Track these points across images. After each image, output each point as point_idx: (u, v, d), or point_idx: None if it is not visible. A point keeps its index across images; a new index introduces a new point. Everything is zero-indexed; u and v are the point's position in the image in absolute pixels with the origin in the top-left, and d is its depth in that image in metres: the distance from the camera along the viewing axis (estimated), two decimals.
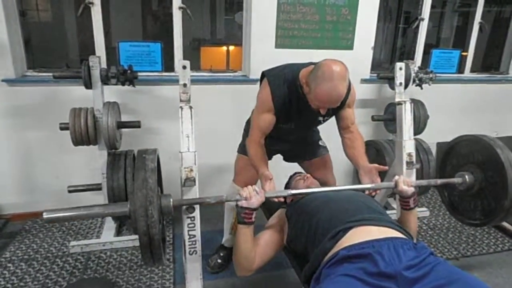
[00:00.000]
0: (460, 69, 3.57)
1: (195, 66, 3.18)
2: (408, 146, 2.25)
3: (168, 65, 2.87)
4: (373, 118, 3.03)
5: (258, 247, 1.61)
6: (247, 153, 1.89)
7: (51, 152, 2.73)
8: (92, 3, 2.56)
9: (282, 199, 1.65)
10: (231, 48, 4.30)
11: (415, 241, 1.40)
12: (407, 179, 1.67)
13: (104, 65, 2.53)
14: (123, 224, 2.77)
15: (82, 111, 2.30)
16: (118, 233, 2.67)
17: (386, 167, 1.73)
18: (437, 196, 3.49)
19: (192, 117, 1.65)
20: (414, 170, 2.25)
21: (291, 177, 2.08)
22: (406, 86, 2.81)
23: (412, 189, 1.63)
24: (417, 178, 2.25)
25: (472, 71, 3.68)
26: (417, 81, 3.02)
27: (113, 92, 2.56)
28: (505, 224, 2.90)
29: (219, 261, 2.34)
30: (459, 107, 3.62)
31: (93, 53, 2.65)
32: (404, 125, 2.27)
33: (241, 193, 1.51)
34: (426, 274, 1.15)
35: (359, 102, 3.22)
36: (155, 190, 1.31)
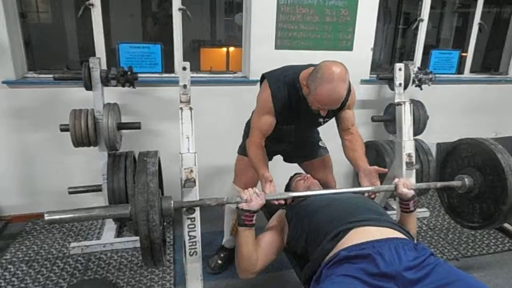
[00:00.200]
0: (460, 70, 3.57)
1: (195, 68, 3.19)
2: (408, 146, 2.25)
3: (168, 66, 2.88)
4: (373, 119, 3.03)
5: (260, 249, 1.61)
6: (248, 154, 1.89)
7: (52, 153, 2.74)
8: (92, 4, 2.57)
9: (282, 202, 1.65)
10: (231, 49, 4.30)
11: (415, 241, 1.41)
12: (407, 182, 1.68)
13: (104, 66, 2.53)
14: (123, 225, 2.78)
15: (83, 112, 2.31)
16: (119, 234, 2.67)
17: (386, 170, 1.74)
18: (437, 197, 3.48)
19: (192, 118, 1.65)
20: (414, 170, 2.25)
21: (291, 178, 2.08)
22: (405, 87, 2.81)
23: (412, 192, 1.63)
24: (417, 179, 2.24)
25: (471, 71, 3.68)
26: (417, 82, 3.03)
27: (113, 94, 2.56)
28: (505, 224, 2.90)
29: (219, 262, 2.35)
30: (459, 107, 3.63)
31: (93, 54, 2.65)
32: (404, 126, 2.27)
33: (242, 196, 1.52)
34: (426, 275, 1.16)
35: (359, 103, 3.22)
36: (156, 194, 1.31)
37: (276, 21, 2.86)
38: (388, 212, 2.43)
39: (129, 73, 2.38)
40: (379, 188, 1.68)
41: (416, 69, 3.08)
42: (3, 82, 2.51)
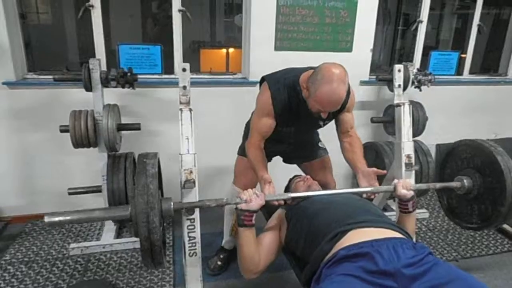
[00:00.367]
0: (459, 71, 3.58)
1: (195, 69, 3.19)
2: (407, 147, 2.26)
3: (168, 67, 2.88)
4: (372, 120, 3.04)
5: (261, 248, 1.61)
6: (247, 156, 1.90)
7: (51, 154, 2.74)
8: (92, 5, 2.58)
9: (282, 202, 1.65)
10: (231, 50, 4.30)
11: (414, 241, 1.41)
12: (406, 182, 1.68)
13: (104, 67, 2.54)
14: (123, 226, 2.78)
15: (82, 113, 2.31)
16: (118, 235, 2.67)
17: (385, 171, 1.74)
18: (436, 198, 3.48)
19: (191, 119, 1.66)
20: (413, 171, 2.26)
21: (290, 180, 2.08)
22: (405, 88, 2.82)
23: (411, 193, 1.64)
24: (416, 180, 2.25)
25: (471, 73, 3.69)
26: (416, 83, 3.03)
27: (113, 95, 2.57)
28: (504, 225, 2.90)
29: (219, 263, 2.35)
30: (458, 109, 3.63)
31: (93, 55, 2.66)
32: (403, 127, 2.27)
33: (241, 196, 1.52)
34: (425, 272, 1.16)
35: (358, 104, 3.23)
36: (156, 196, 1.31)
37: (275, 22, 2.86)
38: (387, 213, 2.45)
39: (129, 74, 2.38)
40: (378, 189, 1.69)
41: (415, 70, 3.08)
42: (3, 83, 2.52)
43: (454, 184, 1.95)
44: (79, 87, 2.36)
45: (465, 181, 1.93)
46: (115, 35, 3.87)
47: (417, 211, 3.06)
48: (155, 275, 2.28)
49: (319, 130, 2.21)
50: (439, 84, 3.29)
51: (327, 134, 2.15)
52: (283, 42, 2.92)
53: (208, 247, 2.43)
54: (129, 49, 2.69)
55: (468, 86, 3.62)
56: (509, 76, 3.85)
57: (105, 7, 2.70)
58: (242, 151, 2.14)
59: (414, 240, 1.50)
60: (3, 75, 2.51)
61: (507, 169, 1.80)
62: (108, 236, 2.59)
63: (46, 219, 1.27)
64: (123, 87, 2.39)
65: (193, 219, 1.59)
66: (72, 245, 2.49)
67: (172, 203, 1.42)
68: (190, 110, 1.67)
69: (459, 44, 4.35)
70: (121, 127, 2.43)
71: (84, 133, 2.29)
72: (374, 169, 1.73)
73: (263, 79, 1.86)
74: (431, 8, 3.32)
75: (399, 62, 3.35)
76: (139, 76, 2.45)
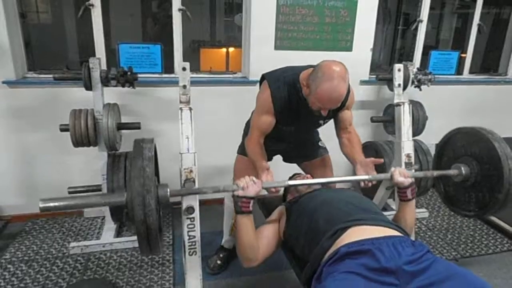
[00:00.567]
0: (459, 71, 3.58)
1: (195, 68, 3.19)
2: (407, 147, 2.26)
3: (168, 66, 2.88)
4: (372, 120, 3.04)
5: (261, 238, 1.61)
6: (246, 152, 1.90)
7: (51, 153, 2.74)
8: (92, 5, 2.58)
9: (279, 189, 1.64)
10: (231, 49, 4.30)
11: (412, 238, 1.41)
12: (403, 170, 1.69)
13: (104, 66, 2.54)
14: (123, 225, 2.78)
15: (82, 112, 2.31)
16: (118, 234, 2.67)
17: (382, 160, 1.76)
18: (436, 197, 3.50)
19: (191, 119, 1.66)
20: (413, 171, 2.26)
21: (290, 178, 2.08)
22: (405, 88, 2.82)
23: (409, 180, 1.65)
24: (416, 180, 2.26)
25: (471, 72, 3.70)
26: (416, 83, 3.03)
27: (113, 94, 2.57)
28: (504, 225, 2.91)
29: (218, 262, 2.35)
30: (458, 108, 3.64)
31: (93, 54, 2.66)
32: (403, 126, 2.28)
33: (238, 183, 1.52)
34: (425, 269, 1.17)
35: (358, 104, 3.25)
36: (152, 179, 1.30)
37: (275, 21, 2.86)
38: (387, 213, 2.44)
39: (129, 73, 2.38)
40: (375, 177, 1.70)
41: (415, 70, 3.09)
42: (3, 82, 2.52)
43: (452, 171, 1.95)
44: (79, 86, 2.36)
45: (462, 168, 1.93)
46: (115, 34, 3.87)
47: (417, 210, 3.07)
48: (155, 274, 2.29)
49: (319, 129, 2.21)
50: (439, 84, 3.29)
51: (327, 133, 2.15)
52: (283, 41, 2.92)
53: (208, 246, 2.43)
54: (129, 48, 2.69)
55: (468, 86, 3.62)
56: (509, 75, 3.85)
57: (105, 6, 2.70)
58: (242, 150, 2.14)
59: (413, 233, 1.50)
60: (3, 74, 2.51)
61: (504, 155, 1.79)
62: (108, 235, 2.59)
63: (41, 204, 1.26)
64: (123, 86, 2.39)
65: (193, 218, 1.60)
66: (72, 244, 2.49)
67: (168, 190, 1.41)
68: (190, 109, 1.68)
69: (459, 44, 4.35)
70: (121, 126, 2.44)
71: (84, 132, 2.29)
72: (372, 158, 1.75)
73: (263, 77, 1.86)
74: (431, 8, 3.32)
75: (399, 61, 3.34)
76: (139, 75, 2.45)
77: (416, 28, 3.37)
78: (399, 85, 2.63)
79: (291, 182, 1.66)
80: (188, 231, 1.61)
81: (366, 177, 1.69)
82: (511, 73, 3.85)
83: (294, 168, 2.26)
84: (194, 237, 1.62)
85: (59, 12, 4.37)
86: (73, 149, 2.36)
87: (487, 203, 1.89)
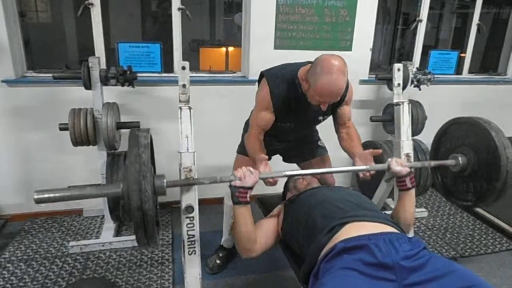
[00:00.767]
0: (458, 70, 3.58)
1: (194, 67, 3.19)
2: (406, 146, 2.26)
3: (168, 66, 2.88)
4: (371, 119, 3.04)
5: (259, 230, 1.62)
6: (246, 147, 1.90)
7: (51, 152, 2.74)
8: (91, 4, 2.58)
9: (277, 180, 1.64)
10: (230, 49, 4.31)
11: (412, 230, 1.42)
12: (400, 160, 1.71)
13: (103, 66, 2.54)
14: (122, 224, 2.78)
15: (82, 111, 2.31)
16: (117, 233, 2.68)
17: (380, 151, 1.76)
18: (435, 197, 3.51)
19: (191, 118, 1.66)
20: (412, 170, 2.27)
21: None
22: (404, 87, 2.82)
23: (407, 169, 1.66)
24: (415, 179, 2.26)
25: (470, 72, 3.70)
26: (415, 82, 3.03)
27: (112, 93, 2.57)
28: (503, 224, 2.91)
29: (218, 261, 2.35)
30: (457, 108, 3.63)
31: (93, 54, 2.66)
32: (402, 126, 2.28)
33: (235, 174, 1.52)
34: (422, 265, 1.18)
35: (357, 103, 3.26)
36: (148, 166, 1.29)
37: (275, 21, 2.86)
38: (386, 212, 2.44)
39: (128, 72, 2.38)
40: (372, 167, 1.71)
41: (414, 70, 3.09)
42: (3, 81, 2.51)
43: (449, 162, 1.95)
44: (79, 85, 2.36)
45: (459, 158, 1.93)
46: (114, 33, 3.87)
47: (416, 209, 3.06)
48: (154, 273, 2.29)
49: (319, 129, 2.21)
50: (439, 83, 3.29)
51: (327, 132, 2.15)
52: (282, 40, 2.92)
53: (207, 246, 2.43)
54: (129, 47, 2.69)
55: (467, 85, 3.62)
56: (508, 75, 3.85)
57: (104, 5, 2.69)
58: (241, 150, 2.14)
59: (412, 227, 1.49)
60: (2, 73, 2.51)
61: (502, 145, 1.79)
62: (107, 234, 2.59)
63: (35, 195, 1.23)
64: (122, 85, 2.39)
65: (192, 217, 1.60)
66: (71, 243, 2.49)
67: (165, 180, 1.41)
68: (190, 108, 1.67)
69: (459, 44, 4.36)
70: (120, 126, 2.43)
71: (83, 131, 2.29)
72: (370, 150, 1.76)
73: (261, 75, 1.87)
74: (430, 8, 3.32)
75: (399, 61, 3.34)
76: (138, 74, 2.45)
77: (416, 28, 3.37)
78: (399, 84, 2.63)
79: (289, 173, 1.66)
80: (188, 230, 1.61)
81: (363, 167, 1.71)
82: (510, 72, 3.85)
83: (294, 168, 2.26)
84: (194, 236, 1.62)
85: (59, 11, 4.38)
86: (73, 148, 2.36)
87: (485, 192, 1.89)
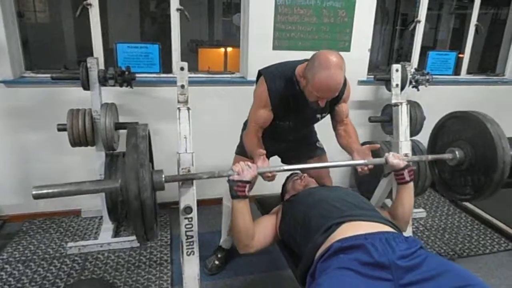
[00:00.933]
0: (457, 71, 3.59)
1: (193, 68, 3.19)
2: (405, 147, 2.26)
3: (166, 66, 2.88)
4: (370, 120, 3.04)
5: (259, 226, 1.63)
6: (244, 144, 1.91)
7: (49, 153, 2.73)
8: (90, 4, 2.57)
9: (275, 174, 1.65)
10: (229, 49, 4.30)
11: (410, 234, 1.42)
12: (397, 154, 1.73)
13: (102, 66, 2.54)
14: (120, 225, 2.78)
15: (80, 112, 2.31)
16: (116, 234, 2.67)
17: (378, 145, 1.78)
18: (433, 197, 3.51)
19: (189, 118, 1.65)
20: (410, 163, 2.27)
21: (287, 177, 2.09)
22: (402, 88, 2.82)
23: (404, 162, 1.68)
24: (414, 179, 2.26)
25: (468, 72, 3.71)
26: (414, 83, 3.04)
27: (110, 93, 2.56)
28: (501, 224, 2.92)
29: (216, 262, 2.35)
30: (456, 108, 3.58)
31: (91, 54, 2.66)
32: (401, 126, 2.28)
33: (234, 168, 1.52)
34: (419, 264, 1.18)
35: (356, 104, 3.26)
36: (146, 155, 1.29)
37: (274, 21, 2.86)
38: None
39: (126, 73, 2.38)
40: (370, 161, 1.72)
41: (413, 70, 3.09)
42: (1, 82, 2.51)
43: (446, 155, 1.96)
44: (77, 85, 2.36)
45: (456, 152, 1.93)
46: (113, 33, 3.86)
47: (414, 210, 3.08)
48: (153, 274, 2.29)
49: (317, 129, 2.21)
50: (437, 84, 3.30)
51: (325, 133, 2.15)
52: (281, 41, 2.92)
53: (205, 246, 2.43)
54: (127, 47, 2.68)
55: (465, 86, 3.63)
56: (507, 76, 3.86)
57: (103, 5, 2.70)
58: (240, 151, 2.14)
59: (410, 221, 1.49)
60: (0, 74, 2.50)
61: (497, 135, 1.80)
62: (105, 235, 2.58)
63: (34, 191, 1.23)
64: (121, 86, 2.39)
65: (191, 218, 1.59)
66: (70, 244, 2.48)
67: (163, 175, 1.40)
68: (188, 109, 1.67)
69: (457, 44, 4.37)
70: (119, 126, 2.43)
71: (81, 132, 2.29)
72: (368, 145, 1.77)
73: (259, 74, 1.87)
74: (429, 8, 3.33)
75: (397, 61, 3.36)
76: (137, 75, 2.45)
77: (414, 29, 3.38)
78: (397, 85, 2.62)
79: (287, 167, 1.67)
80: (186, 231, 1.61)
81: (361, 161, 1.72)
82: (508, 73, 3.86)
83: None
84: (192, 237, 1.62)
85: (57, 12, 4.37)
86: (71, 149, 2.36)
87: (483, 185, 1.89)
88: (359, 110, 3.28)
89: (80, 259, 2.40)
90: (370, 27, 3.11)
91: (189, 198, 1.59)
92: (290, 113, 1.85)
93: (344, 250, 1.25)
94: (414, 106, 3.05)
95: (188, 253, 1.63)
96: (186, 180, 1.55)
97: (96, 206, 2.80)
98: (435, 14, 5.11)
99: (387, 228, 1.37)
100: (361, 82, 3.23)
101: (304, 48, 2.96)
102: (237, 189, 1.50)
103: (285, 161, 2.29)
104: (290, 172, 2.15)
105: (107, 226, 2.65)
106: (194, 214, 1.60)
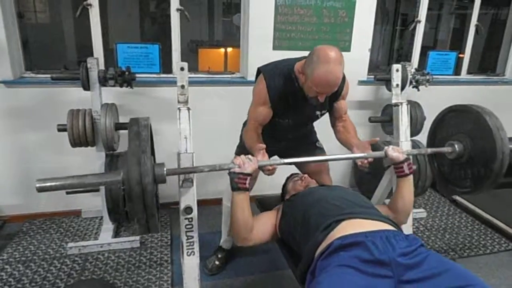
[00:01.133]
0: (457, 71, 3.59)
1: (193, 68, 3.19)
2: (405, 147, 2.26)
3: (166, 66, 2.88)
4: (370, 120, 3.04)
5: (258, 220, 1.65)
6: (244, 141, 1.92)
7: (49, 153, 2.73)
8: (90, 4, 2.57)
9: (275, 167, 1.65)
10: (229, 50, 4.30)
11: (410, 219, 1.42)
12: (396, 147, 1.73)
13: (102, 66, 2.53)
14: (121, 225, 2.78)
15: (80, 112, 2.31)
16: (116, 234, 2.67)
17: (377, 139, 1.80)
18: (434, 197, 3.51)
19: (190, 119, 1.65)
20: (409, 157, 2.27)
21: (288, 178, 2.09)
22: (403, 88, 2.82)
23: (404, 155, 1.69)
24: (414, 179, 2.26)
25: (468, 72, 3.71)
26: (414, 83, 3.04)
27: (111, 94, 2.56)
28: (501, 225, 2.92)
29: (216, 262, 2.35)
30: None
31: (91, 54, 2.65)
32: (401, 127, 2.28)
33: (234, 161, 1.53)
34: (419, 262, 1.19)
35: (356, 104, 3.26)
36: (147, 142, 1.30)
37: (274, 21, 2.86)
38: None
39: (127, 73, 2.38)
40: (370, 154, 1.73)
41: (413, 70, 3.09)
42: (1, 82, 2.51)
43: (445, 149, 1.96)
44: (77, 86, 2.36)
45: (456, 145, 1.94)
46: (113, 34, 3.86)
47: (415, 210, 3.07)
48: (153, 274, 2.28)
49: (317, 129, 2.21)
50: (437, 84, 3.29)
51: (325, 133, 2.15)
52: (281, 41, 2.92)
53: (206, 247, 2.42)
54: (127, 48, 2.68)
55: (466, 86, 3.62)
56: (507, 76, 3.86)
57: (103, 6, 2.69)
58: (240, 151, 2.13)
59: (411, 216, 1.48)
60: (1, 74, 2.50)
61: (495, 127, 1.81)
62: (106, 236, 2.58)
63: (37, 184, 1.25)
64: (121, 86, 2.39)
65: (191, 218, 1.59)
66: (70, 245, 2.48)
67: (165, 168, 1.40)
68: (188, 109, 1.67)
69: (457, 44, 4.37)
70: (119, 126, 2.43)
71: (82, 132, 2.29)
72: (368, 140, 1.78)
73: (258, 71, 1.88)
74: (429, 8, 3.33)
75: (397, 61, 3.35)
76: (137, 75, 2.45)
77: (414, 29, 3.38)
78: (397, 85, 2.62)
79: (287, 160, 1.67)
80: (186, 232, 1.61)
81: (361, 154, 1.73)
82: (508, 73, 3.86)
83: (292, 169, 2.26)
84: (192, 237, 1.62)
85: (57, 12, 4.37)
86: (71, 149, 2.35)
87: (482, 177, 1.89)
88: (359, 110, 3.27)
89: (80, 260, 2.40)
90: (370, 27, 3.11)
91: (189, 198, 1.59)
92: (289, 110, 1.86)
93: (344, 247, 1.25)
94: (414, 106, 3.05)
95: (189, 254, 1.63)
96: (187, 173, 1.55)
97: (96, 206, 2.80)
98: (435, 14, 5.11)
99: (387, 226, 1.37)
100: (361, 82, 3.23)
101: (304, 48, 2.94)
102: (238, 181, 1.51)
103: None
104: (290, 173, 2.15)
105: (107, 226, 2.65)
106: (194, 214, 1.60)
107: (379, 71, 3.80)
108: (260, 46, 2.89)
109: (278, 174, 2.06)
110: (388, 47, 4.93)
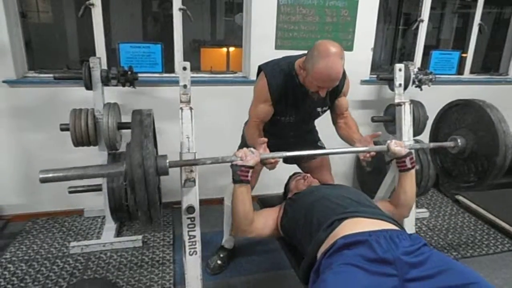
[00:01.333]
0: (460, 70, 3.57)
1: (195, 68, 3.19)
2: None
3: (169, 66, 2.88)
4: (373, 119, 3.03)
5: (260, 214, 1.66)
6: (246, 139, 1.92)
7: (52, 153, 2.73)
8: (93, 4, 2.58)
9: (278, 160, 1.65)
10: (231, 49, 4.31)
11: (412, 215, 1.42)
12: (399, 141, 1.73)
13: (104, 66, 2.54)
14: (123, 224, 2.78)
15: (83, 112, 2.31)
16: (118, 234, 2.68)
17: (379, 133, 1.80)
18: (436, 197, 3.50)
19: (192, 118, 1.65)
20: (414, 170, 2.26)
21: (290, 177, 2.09)
22: (405, 87, 2.81)
23: (406, 150, 1.68)
24: (416, 179, 2.25)
25: (471, 72, 3.69)
26: (417, 82, 3.03)
27: (113, 93, 2.57)
28: (504, 225, 2.90)
29: (219, 262, 2.35)
30: None
31: (94, 54, 2.66)
32: (404, 126, 2.28)
33: (237, 154, 1.54)
34: (423, 261, 1.18)
35: (359, 103, 3.25)
36: (150, 128, 1.31)
37: (276, 21, 2.86)
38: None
39: (129, 73, 2.38)
40: (372, 148, 1.73)
41: (416, 70, 3.08)
42: (4, 82, 2.52)
43: (448, 143, 1.96)
44: (80, 85, 2.36)
45: (458, 140, 1.94)
46: (115, 33, 3.87)
47: (417, 210, 3.07)
48: (155, 274, 2.29)
49: (319, 129, 2.21)
50: (440, 84, 3.28)
51: (326, 133, 2.15)
52: (283, 41, 2.92)
53: (208, 246, 2.43)
54: (130, 47, 2.68)
55: (469, 86, 3.61)
56: (510, 75, 3.84)
57: (105, 5, 2.70)
58: None
59: (413, 211, 1.47)
60: (4, 74, 2.51)
61: (497, 119, 1.82)
62: (108, 235, 2.59)
63: (41, 175, 1.26)
64: (123, 85, 2.39)
65: (193, 217, 1.60)
66: (73, 244, 2.49)
67: (167, 160, 1.40)
68: (191, 109, 1.67)
69: (460, 44, 4.35)
70: (121, 126, 2.43)
71: (84, 132, 2.29)
72: (369, 134, 1.78)
73: (259, 69, 1.88)
74: (432, 8, 3.32)
75: (400, 61, 3.34)
76: (139, 74, 2.45)
77: (417, 28, 3.36)
78: (400, 85, 2.62)
79: (288, 153, 1.66)
80: (189, 231, 1.61)
81: (363, 148, 1.73)
82: (511, 73, 3.85)
83: (294, 168, 2.26)
84: (195, 236, 1.62)
85: (60, 12, 4.38)
86: (73, 148, 2.36)
87: (486, 170, 1.88)
88: (362, 109, 3.27)
89: (82, 259, 2.41)
90: (373, 26, 3.10)
91: (191, 198, 1.59)
92: (291, 108, 1.86)
93: (348, 246, 1.25)
94: (417, 106, 3.04)
95: (191, 253, 1.63)
96: (189, 165, 1.55)
97: (98, 205, 2.81)
98: (438, 13, 5.10)
99: (390, 226, 1.37)
100: (364, 82, 3.22)
101: (307, 48, 2.87)
102: (240, 173, 1.52)
103: (286, 160, 2.28)
104: (292, 172, 2.15)
105: (110, 225, 2.66)
106: (197, 214, 1.60)
107: (381, 71, 3.80)
108: (262, 46, 2.89)
109: (280, 173, 2.06)
110: (390, 47, 4.93)
